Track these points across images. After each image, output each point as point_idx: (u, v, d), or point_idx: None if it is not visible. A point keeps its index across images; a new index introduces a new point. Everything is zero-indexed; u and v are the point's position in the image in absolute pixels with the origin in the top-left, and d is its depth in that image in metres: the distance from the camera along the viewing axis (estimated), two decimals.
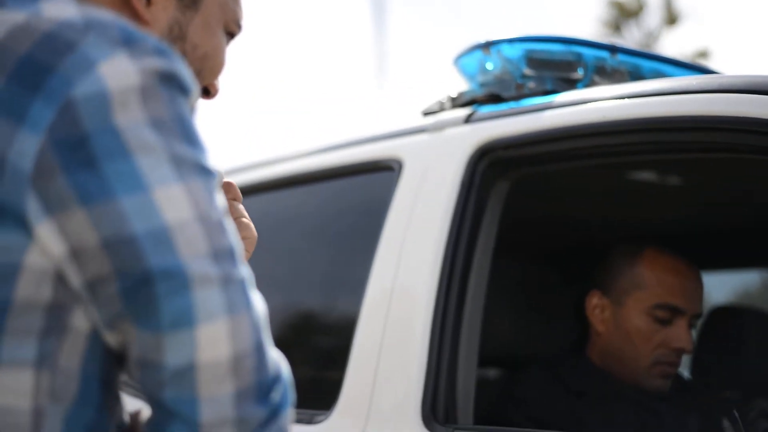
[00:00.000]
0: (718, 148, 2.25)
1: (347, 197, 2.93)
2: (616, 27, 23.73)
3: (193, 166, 1.16)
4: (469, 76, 2.72)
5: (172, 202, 1.13)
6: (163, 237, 1.12)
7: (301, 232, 3.07)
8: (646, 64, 2.77)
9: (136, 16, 1.37)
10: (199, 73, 1.43)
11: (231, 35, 1.49)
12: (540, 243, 3.55)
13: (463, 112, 2.62)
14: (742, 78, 2.19)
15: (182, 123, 1.17)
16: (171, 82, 1.17)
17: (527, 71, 2.60)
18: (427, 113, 2.76)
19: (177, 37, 1.41)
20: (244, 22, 1.49)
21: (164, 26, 1.39)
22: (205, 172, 1.17)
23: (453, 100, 2.72)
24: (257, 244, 1.55)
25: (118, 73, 1.14)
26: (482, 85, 2.66)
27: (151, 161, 1.13)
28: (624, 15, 23.74)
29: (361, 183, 2.84)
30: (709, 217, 3.39)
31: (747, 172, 2.82)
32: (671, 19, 23.53)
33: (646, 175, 3.07)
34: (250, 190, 2.99)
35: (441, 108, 2.73)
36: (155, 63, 1.16)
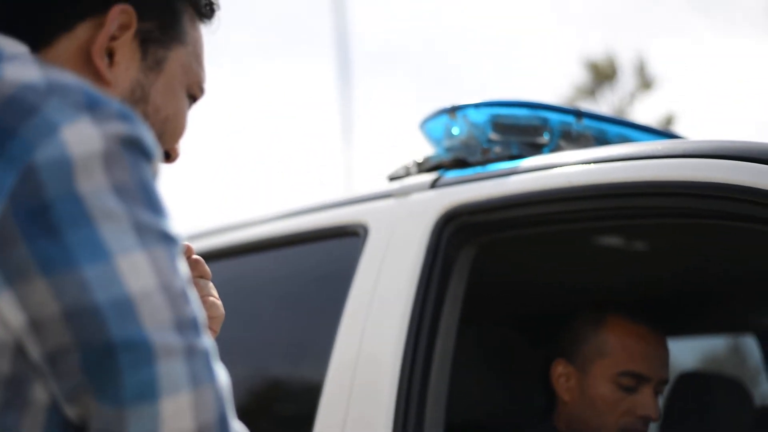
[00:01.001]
0: (684, 214, 2.25)
1: (312, 263, 2.91)
2: (591, 92, 23.94)
3: (156, 233, 1.13)
4: (435, 141, 2.71)
5: (135, 272, 1.11)
6: (126, 307, 1.09)
7: (266, 298, 3.04)
8: (612, 129, 2.77)
9: (98, 76, 1.34)
10: (160, 137, 1.41)
11: (193, 99, 1.47)
12: (507, 309, 3.53)
13: (429, 177, 2.61)
14: (708, 143, 2.20)
15: (145, 189, 1.14)
16: (134, 147, 1.14)
17: (493, 136, 2.60)
18: (392, 178, 2.75)
19: (139, 99, 1.38)
20: (208, 86, 1.47)
21: (127, 87, 1.37)
22: (168, 239, 1.15)
23: (419, 165, 2.71)
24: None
25: (81, 138, 1.11)
26: (448, 149, 2.65)
27: (114, 229, 1.11)
28: (599, 78, 23.94)
29: (326, 248, 2.82)
30: (675, 283, 3.39)
31: (712, 237, 2.83)
32: (645, 83, 23.75)
33: (612, 241, 3.06)
34: (213, 256, 2.95)
35: (407, 173, 2.72)
36: (119, 128, 1.14)
